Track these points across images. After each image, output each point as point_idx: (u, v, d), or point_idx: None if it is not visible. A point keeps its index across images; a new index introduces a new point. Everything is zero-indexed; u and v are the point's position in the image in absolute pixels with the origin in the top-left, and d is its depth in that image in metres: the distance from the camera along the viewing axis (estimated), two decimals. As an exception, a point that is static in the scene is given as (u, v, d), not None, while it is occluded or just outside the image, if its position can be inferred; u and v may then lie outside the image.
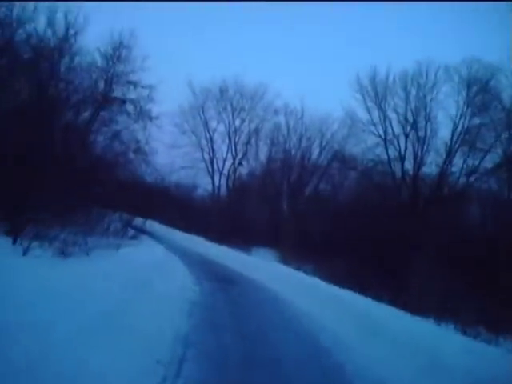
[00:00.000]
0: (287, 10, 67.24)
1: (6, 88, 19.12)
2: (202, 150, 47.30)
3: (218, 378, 6.22)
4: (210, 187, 47.99)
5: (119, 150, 23.89)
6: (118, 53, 23.71)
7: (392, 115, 36.96)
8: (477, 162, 33.99)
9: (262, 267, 21.42)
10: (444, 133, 35.38)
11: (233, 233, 36.43)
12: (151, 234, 34.94)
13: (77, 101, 22.66)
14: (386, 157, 36.90)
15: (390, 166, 36.73)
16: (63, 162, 19.98)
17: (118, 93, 23.27)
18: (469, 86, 34.01)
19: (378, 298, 20.03)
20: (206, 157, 47.38)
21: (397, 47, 55.89)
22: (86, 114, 23.18)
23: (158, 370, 5.85)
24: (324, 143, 43.68)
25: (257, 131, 46.71)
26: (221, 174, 47.44)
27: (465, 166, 34.68)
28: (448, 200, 34.15)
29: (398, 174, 36.51)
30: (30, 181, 15.84)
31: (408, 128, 36.32)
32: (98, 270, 9.01)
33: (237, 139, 47.69)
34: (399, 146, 36.43)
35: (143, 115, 23.97)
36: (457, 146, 34.84)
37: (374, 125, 37.44)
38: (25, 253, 10.64)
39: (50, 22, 21.75)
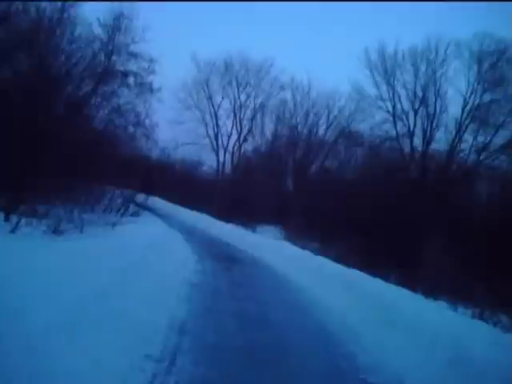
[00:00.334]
0: (294, -18, 65.39)
1: (4, 61, 18.46)
2: (207, 125, 46.49)
3: (216, 375, 5.46)
4: (214, 164, 47.27)
5: (119, 123, 23.10)
6: (118, 23, 22.81)
7: (401, 91, 36.14)
8: (487, 139, 33.15)
9: (266, 245, 20.74)
10: (454, 109, 34.52)
11: (237, 210, 35.94)
12: (154, 211, 34.54)
13: (77, 73, 21.90)
14: (394, 133, 36.10)
15: (398, 142, 35.90)
16: (63, 137, 19.42)
17: (118, 65, 22.41)
18: (479, 62, 33.00)
19: (387, 278, 19.56)
20: (211, 133, 46.60)
21: (406, 22, 54.47)
22: (87, 88, 22.38)
23: (145, 366, 5.09)
24: (331, 119, 42.92)
25: (262, 107, 45.90)
26: (225, 150, 46.67)
27: (475, 143, 33.85)
28: (458, 177, 33.40)
29: (407, 150, 35.71)
30: (27, 157, 15.33)
31: (417, 104, 35.44)
32: (88, 248, 8.33)
33: (242, 115, 46.91)
34: (408, 122, 35.62)
35: (144, 88, 23.13)
36: (467, 122, 33.95)
37: (383, 100, 36.61)
38: (13, 230, 10.07)
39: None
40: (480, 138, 33.41)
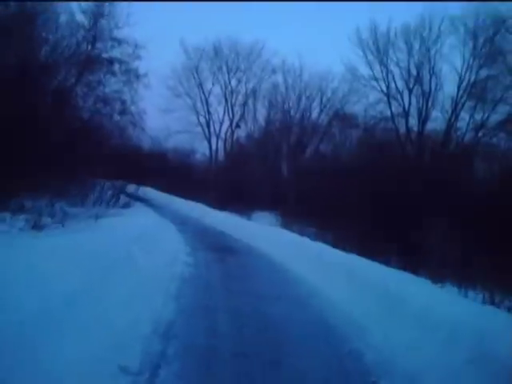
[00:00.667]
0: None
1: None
2: (198, 113, 45.90)
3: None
4: (207, 152, 46.54)
5: (105, 112, 22.25)
6: (100, 9, 21.87)
7: (395, 70, 35.37)
8: (485, 117, 32.46)
9: (262, 233, 20.00)
10: (449, 87, 33.79)
11: (232, 198, 35.38)
12: (147, 202, 34.05)
13: (61, 62, 21.09)
14: (389, 113, 35.42)
15: (393, 122, 35.21)
16: (49, 128, 18.77)
17: (103, 52, 21.51)
18: (475, 37, 32.20)
19: (388, 262, 18.90)
20: (202, 120, 46.03)
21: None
22: (71, 77, 21.54)
23: (119, 382, 4.29)
24: (324, 102, 42.28)
25: (254, 91, 45.26)
26: (218, 137, 46.13)
27: (471, 120, 33.16)
28: (455, 156, 32.69)
29: (403, 130, 35.01)
30: (12, 149, 14.68)
31: (412, 83, 34.74)
32: (67, 245, 7.59)
33: (233, 100, 46.33)
34: (403, 102, 34.94)
35: (130, 74, 22.23)
36: (463, 100, 33.23)
37: (376, 80, 35.88)
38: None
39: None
40: (477, 116, 32.82)
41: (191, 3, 66.31)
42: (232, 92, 46.04)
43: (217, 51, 44.74)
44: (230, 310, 7.83)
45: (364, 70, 36.44)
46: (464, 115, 33.27)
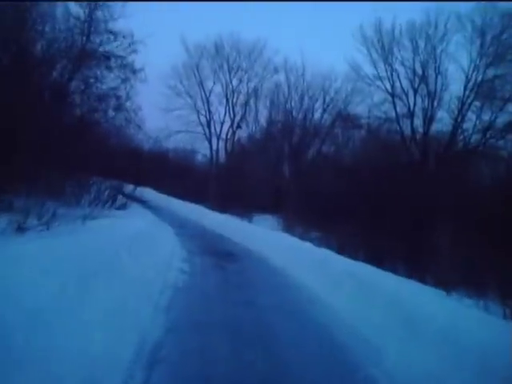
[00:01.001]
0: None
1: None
2: (198, 112, 44.98)
3: None
4: (208, 152, 45.74)
5: (100, 108, 21.37)
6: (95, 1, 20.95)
7: (400, 69, 34.39)
8: (492, 118, 31.54)
9: (263, 237, 19.15)
10: (456, 86, 32.77)
11: (232, 200, 34.64)
12: (146, 203, 33.38)
13: (55, 56, 20.29)
14: (393, 114, 34.43)
15: (398, 123, 34.28)
16: (44, 125, 18.01)
17: (97, 46, 20.58)
18: (483, 35, 31.19)
19: (395, 269, 18.11)
20: (203, 120, 45.12)
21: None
22: (65, 71, 20.70)
23: None
24: (327, 102, 41.41)
25: (256, 91, 44.44)
26: (219, 137, 45.21)
27: (478, 121, 32.23)
28: (461, 158, 31.85)
29: (407, 131, 34.11)
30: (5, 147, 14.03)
31: (417, 82, 33.75)
32: (45, 249, 6.76)
33: (235, 100, 45.47)
34: (408, 102, 33.91)
35: (125, 68, 21.34)
36: (470, 100, 32.28)
37: (381, 79, 34.87)
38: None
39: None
40: (484, 116, 31.86)
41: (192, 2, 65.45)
42: (233, 91, 45.23)
43: (218, 49, 43.99)
44: (227, 327, 6.94)
45: (368, 69, 35.54)
46: (471, 116, 32.34)
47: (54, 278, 5.60)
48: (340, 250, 21.62)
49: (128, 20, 20.97)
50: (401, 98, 34.23)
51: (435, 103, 33.22)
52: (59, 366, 4.13)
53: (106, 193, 23.70)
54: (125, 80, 22.25)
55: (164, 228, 20.11)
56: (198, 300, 8.53)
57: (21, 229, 10.27)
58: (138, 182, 36.67)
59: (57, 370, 4.06)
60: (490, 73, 31.29)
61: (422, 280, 16.90)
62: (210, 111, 45.04)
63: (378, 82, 35.07)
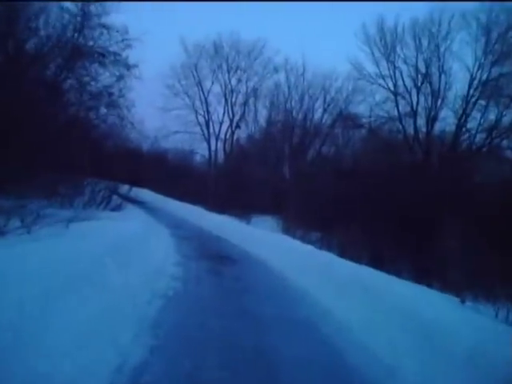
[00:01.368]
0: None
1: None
2: (197, 112, 44.22)
3: None
4: (206, 153, 44.99)
5: (91, 105, 20.53)
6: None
7: (403, 67, 33.66)
8: (496, 117, 30.79)
9: (264, 239, 18.31)
10: (460, 85, 32.08)
11: (231, 201, 34.17)
12: (143, 204, 32.74)
13: (47, 52, 19.53)
14: (396, 113, 33.69)
15: (400, 122, 33.52)
16: (37, 123, 17.33)
17: (91, 41, 19.73)
18: (488, 33, 30.43)
19: (399, 273, 17.33)
20: (201, 120, 44.37)
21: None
22: (58, 68, 19.91)
23: None
24: (327, 102, 40.65)
25: (255, 91, 43.74)
26: (217, 138, 44.48)
27: (482, 121, 31.47)
28: (465, 158, 31.07)
29: (410, 131, 33.35)
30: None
31: (420, 81, 33.04)
32: (17, 256, 5.97)
33: (233, 100, 44.75)
34: (411, 100, 33.15)
35: (118, 64, 20.49)
36: (474, 99, 31.50)
37: (383, 78, 34.18)
38: None
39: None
40: (488, 116, 31.14)
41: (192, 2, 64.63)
42: (232, 91, 44.47)
43: (217, 49, 43.28)
44: (222, 345, 6.10)
45: (370, 68, 34.89)
46: (475, 115, 31.56)
47: (21, 292, 4.79)
48: (342, 253, 20.91)
49: (126, 19, 20.30)
50: (403, 97, 33.57)
51: (439, 102, 32.57)
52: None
53: (101, 194, 23.01)
54: (119, 77, 21.43)
55: (159, 230, 19.33)
56: (190, 312, 7.65)
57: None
58: (135, 183, 35.99)
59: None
60: (496, 71, 30.60)
61: (429, 284, 16.18)
62: (208, 111, 44.37)
63: (381, 81, 34.44)
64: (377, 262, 19.58)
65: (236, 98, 44.59)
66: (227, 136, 44.36)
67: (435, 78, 32.53)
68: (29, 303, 4.69)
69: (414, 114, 33.04)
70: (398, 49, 33.62)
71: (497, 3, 29.46)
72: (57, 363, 4.21)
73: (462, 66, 31.88)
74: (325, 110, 40.80)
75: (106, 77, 21.24)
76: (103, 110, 21.09)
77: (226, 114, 44.42)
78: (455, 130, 31.76)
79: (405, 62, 33.47)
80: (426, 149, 32.15)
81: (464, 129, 31.86)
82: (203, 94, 44.25)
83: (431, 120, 32.49)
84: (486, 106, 31.12)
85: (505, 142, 31.13)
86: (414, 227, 23.49)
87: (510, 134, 30.26)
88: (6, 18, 18.17)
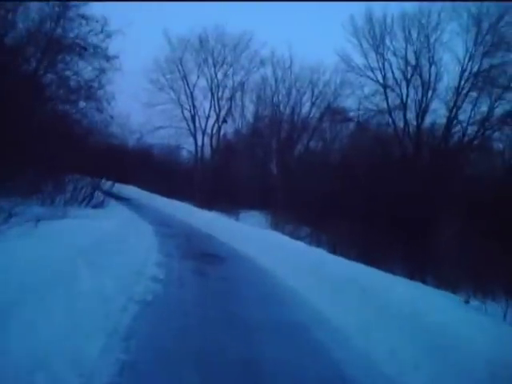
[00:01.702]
0: None
1: None
2: (182, 106, 43.25)
3: None
4: (193, 148, 44.15)
5: (72, 100, 19.61)
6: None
7: (392, 59, 32.86)
8: (488, 109, 30.10)
9: (252, 236, 17.57)
10: (451, 77, 31.37)
11: (218, 196, 33.82)
12: (127, 201, 32.02)
13: (25, 46, 18.65)
14: (385, 105, 32.91)
15: (390, 115, 32.78)
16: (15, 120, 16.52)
17: (67, 31, 18.77)
18: (479, 24, 29.72)
19: (391, 268, 16.73)
20: (187, 114, 43.44)
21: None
22: (39, 65, 19.02)
23: None
24: (315, 95, 39.82)
25: (242, 85, 42.96)
26: (204, 133, 43.56)
27: (474, 113, 30.76)
28: (457, 151, 30.48)
29: (400, 124, 32.64)
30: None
31: (410, 73, 32.25)
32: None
33: (220, 94, 43.86)
34: (401, 93, 32.39)
35: (98, 55, 19.55)
36: (465, 91, 30.81)
37: (372, 70, 33.25)
38: None
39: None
40: (479, 108, 30.42)
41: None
42: (218, 85, 43.58)
43: (202, 42, 42.31)
44: (205, 360, 5.35)
45: (359, 60, 33.97)
46: (466, 107, 30.83)
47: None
48: (332, 248, 20.32)
49: (108, 12, 19.41)
50: (393, 90, 32.76)
51: (429, 94, 31.76)
52: None
53: (83, 191, 22.22)
54: (100, 70, 20.50)
55: (142, 228, 18.54)
56: (170, 319, 6.88)
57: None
58: (120, 180, 35.20)
59: None
60: (487, 62, 29.85)
61: (424, 281, 15.59)
62: (194, 106, 43.45)
63: (369, 73, 33.54)
64: (368, 257, 19.00)
65: (222, 93, 43.80)
66: (214, 131, 43.57)
67: (425, 70, 31.75)
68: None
69: (403, 106, 32.31)
70: (387, 40, 32.82)
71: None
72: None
73: (452, 57, 31.17)
74: (313, 104, 40.05)
75: (85, 70, 20.32)
76: (83, 104, 20.13)
77: (213, 109, 43.62)
78: (446, 123, 31.05)
79: (394, 53, 32.70)
80: (416, 142, 31.48)
81: (455, 121, 31.16)
82: (189, 88, 43.40)
83: (421, 112, 31.79)
84: (477, 98, 30.44)
85: (496, 134, 30.56)
86: (405, 222, 22.90)
87: (501, 125, 29.63)
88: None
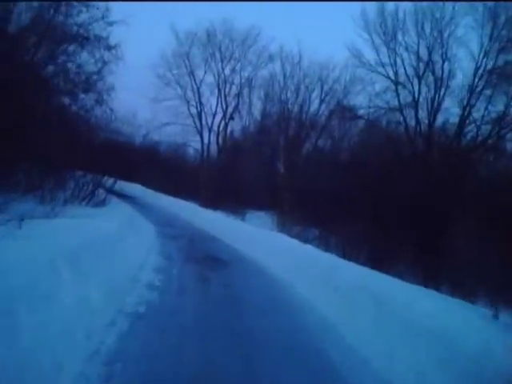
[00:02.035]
0: None
1: None
2: (188, 103, 42.33)
3: None
4: (199, 146, 43.33)
5: (73, 92, 18.69)
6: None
7: (404, 54, 31.84)
8: (503, 107, 29.04)
9: (259, 238, 16.68)
10: (464, 74, 30.29)
11: (224, 196, 33.22)
12: (132, 199, 31.41)
13: (26, 36, 17.84)
14: (396, 103, 31.90)
15: (401, 113, 31.77)
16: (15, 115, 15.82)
17: (68, 18, 17.81)
18: (495, 18, 28.67)
19: (402, 274, 16.01)
20: (193, 111, 42.51)
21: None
22: (43, 55, 18.19)
23: None
24: (325, 92, 38.87)
25: (249, 81, 42.05)
26: (210, 130, 42.67)
27: (487, 112, 29.70)
28: (470, 150, 29.46)
29: (411, 122, 31.63)
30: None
31: (422, 69, 31.24)
32: None
33: (227, 90, 42.95)
34: (413, 90, 31.38)
35: (98, 45, 18.63)
36: (479, 88, 29.76)
37: (383, 66, 32.15)
38: None
39: None
40: (495, 106, 29.37)
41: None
42: (225, 81, 42.69)
43: (210, 37, 41.41)
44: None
45: (370, 55, 32.89)
46: (480, 106, 29.77)
47: None
48: (342, 252, 19.53)
49: (114, 6, 18.53)
50: (405, 86, 31.75)
51: (442, 92, 30.72)
52: None
53: (85, 188, 21.49)
54: (103, 62, 19.56)
55: (144, 228, 17.79)
56: (164, 337, 5.98)
57: None
58: (126, 178, 34.59)
59: None
60: (502, 59, 28.77)
61: (438, 287, 14.73)
62: (200, 102, 42.57)
63: (381, 69, 32.45)
64: (378, 261, 18.26)
65: (230, 89, 42.96)
66: (220, 128, 42.74)
67: (438, 66, 30.67)
68: None
69: (415, 104, 31.29)
70: (399, 35, 31.74)
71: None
72: None
73: (466, 53, 30.05)
74: (322, 101, 39.10)
75: (86, 59, 19.42)
76: (84, 97, 19.18)
77: (220, 105, 42.77)
78: (459, 121, 30.00)
79: (406, 49, 31.61)
80: (428, 141, 30.49)
81: (468, 120, 30.14)
82: (195, 83, 42.54)
83: (434, 111, 30.81)
84: (492, 96, 29.38)
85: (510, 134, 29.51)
86: (416, 224, 22.01)
87: (516, 125, 28.60)
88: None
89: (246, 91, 42.35)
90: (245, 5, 55.82)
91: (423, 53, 30.99)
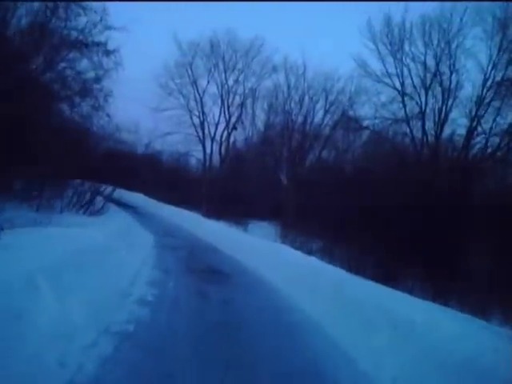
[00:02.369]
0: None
1: None
2: (191, 112, 41.91)
3: None
4: (201, 156, 42.83)
5: (74, 100, 18.17)
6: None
7: (410, 65, 31.33)
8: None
9: (262, 250, 15.92)
10: (472, 85, 29.67)
11: (227, 206, 32.48)
12: (133, 209, 31.23)
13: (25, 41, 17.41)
14: (403, 114, 31.31)
15: (408, 124, 31.17)
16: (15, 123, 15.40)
17: (64, 22, 17.27)
18: (504, 28, 28.09)
19: (411, 289, 15.39)
20: (196, 121, 42.11)
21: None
22: (36, 58, 17.70)
23: None
24: (329, 103, 38.40)
25: (253, 91, 41.63)
26: (213, 140, 42.24)
27: (495, 124, 29.06)
28: (478, 163, 28.77)
29: (418, 134, 31.01)
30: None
31: (429, 80, 30.69)
32: None
33: (230, 101, 42.68)
34: (419, 101, 30.80)
35: (97, 48, 18.06)
36: (488, 100, 29.13)
37: (390, 76, 31.70)
38: None
39: None
40: (504, 118, 28.70)
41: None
42: (229, 91, 42.32)
43: (213, 47, 41.10)
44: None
45: (376, 66, 32.44)
46: (488, 117, 29.12)
47: None
48: (347, 265, 18.89)
49: (116, 14, 18.10)
50: (411, 97, 31.20)
51: (449, 103, 30.16)
52: None
53: (83, 196, 21.02)
54: (100, 66, 19.06)
55: (142, 238, 17.19)
56: (151, 362, 5.21)
57: None
58: (127, 187, 34.26)
59: None
60: (511, 70, 28.20)
61: (446, 303, 14.05)
62: (203, 112, 42.16)
63: (387, 80, 31.98)
64: (384, 275, 17.62)
65: (233, 99, 42.64)
66: (223, 138, 42.39)
67: (445, 77, 30.15)
68: None
69: (422, 115, 30.72)
70: (406, 45, 31.28)
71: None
72: None
73: (475, 64, 29.45)
74: (326, 112, 38.66)
75: (86, 67, 18.95)
76: (81, 101, 18.63)
77: (222, 116, 42.46)
78: (467, 133, 29.39)
79: (413, 59, 31.13)
80: (435, 152, 29.84)
81: (476, 131, 29.49)
82: (198, 93, 42.15)
83: (441, 122, 30.20)
84: (500, 108, 28.75)
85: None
86: (424, 237, 21.29)
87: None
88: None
89: (249, 102, 42.16)
90: (248, 15, 55.57)
91: (430, 63, 30.54)
